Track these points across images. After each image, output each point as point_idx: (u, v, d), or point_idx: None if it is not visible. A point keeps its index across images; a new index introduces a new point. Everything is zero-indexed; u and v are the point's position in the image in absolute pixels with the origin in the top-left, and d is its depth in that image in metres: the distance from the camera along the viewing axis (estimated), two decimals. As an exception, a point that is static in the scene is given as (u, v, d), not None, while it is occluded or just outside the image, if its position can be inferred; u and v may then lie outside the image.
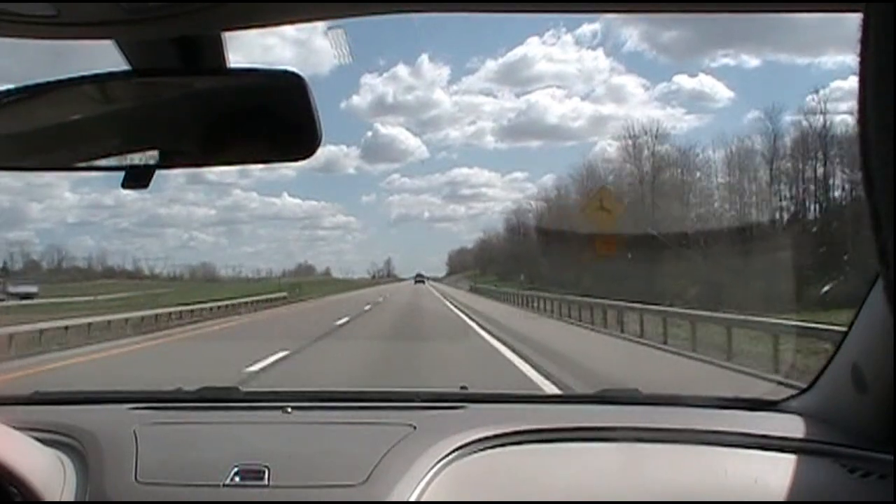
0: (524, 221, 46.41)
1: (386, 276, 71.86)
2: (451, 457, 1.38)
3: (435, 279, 66.19)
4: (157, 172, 1.05)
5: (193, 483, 1.32)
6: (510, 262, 46.92)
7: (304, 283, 49.52)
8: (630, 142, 33.54)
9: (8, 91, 1.03)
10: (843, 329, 1.47)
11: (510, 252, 48.48)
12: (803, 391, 1.62)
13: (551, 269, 34.03)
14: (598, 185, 37.21)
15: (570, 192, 40.69)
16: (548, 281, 31.93)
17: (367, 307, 24.51)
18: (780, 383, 6.40)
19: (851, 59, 0.49)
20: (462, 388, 1.88)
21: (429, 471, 1.34)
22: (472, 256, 62.87)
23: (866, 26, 0.47)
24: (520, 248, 45.10)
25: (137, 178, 1.05)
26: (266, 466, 1.33)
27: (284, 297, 34.19)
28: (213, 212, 73.53)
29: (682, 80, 60.02)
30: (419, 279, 62.58)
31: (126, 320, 18.33)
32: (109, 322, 17.40)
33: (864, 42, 0.47)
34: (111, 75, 1.00)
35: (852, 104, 0.49)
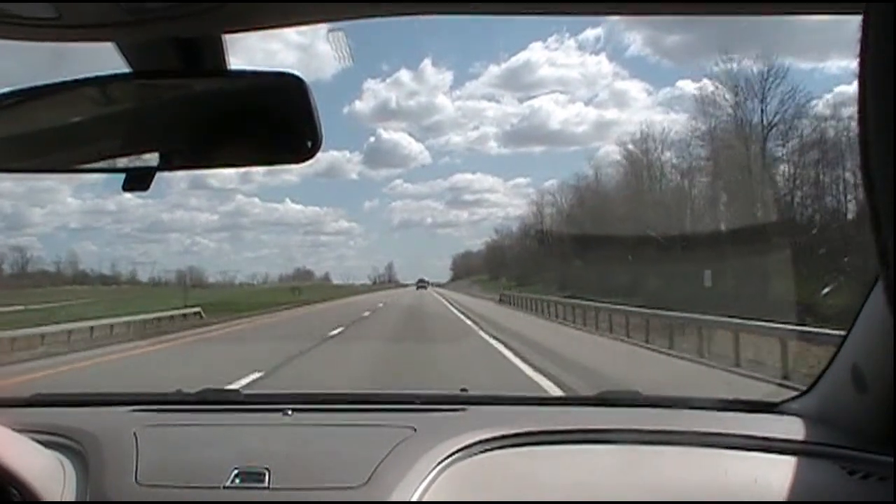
0: (545, 217, 40.45)
1: (387, 281, 71.17)
2: (451, 459, 1.38)
3: (438, 285, 65.24)
4: (160, 177, 1.05)
5: (194, 485, 1.32)
6: (529, 266, 40.91)
7: (303, 288, 46.22)
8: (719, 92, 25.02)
9: (8, 93, 1.03)
10: None
11: (528, 254, 42.56)
12: (803, 393, 1.62)
13: (589, 273, 27.25)
14: (658, 164, 28.92)
15: (608, 177, 33.56)
16: (587, 286, 24.52)
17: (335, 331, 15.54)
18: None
19: (854, 64, 0.48)
20: (462, 390, 1.88)
21: (429, 473, 1.34)
22: (479, 260, 59.81)
23: (866, 27, 0.48)
24: (543, 249, 38.68)
25: (138, 180, 1.05)
26: (266, 468, 1.33)
27: (198, 315, 24.16)
28: (216, 217, 73.00)
29: (686, 85, 59.67)
30: (421, 285, 62.03)
31: None
32: None
33: (864, 42, 0.48)
34: (112, 77, 1.01)
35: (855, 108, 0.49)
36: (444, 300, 35.56)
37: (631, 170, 31.65)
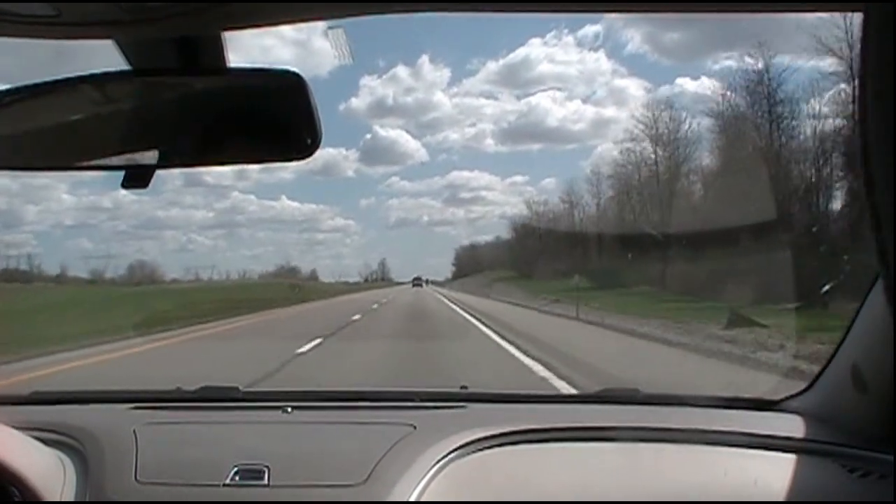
0: (643, 169, 28.15)
1: (380, 279, 70.49)
2: (451, 456, 1.38)
3: (436, 283, 63.91)
4: (156, 175, 1.06)
5: (193, 483, 1.32)
6: (602, 257, 27.99)
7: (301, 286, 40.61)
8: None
9: (7, 91, 1.03)
10: None
11: (601, 240, 29.21)
12: (803, 391, 1.62)
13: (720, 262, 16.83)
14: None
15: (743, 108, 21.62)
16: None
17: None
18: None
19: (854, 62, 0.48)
20: (462, 387, 1.88)
21: (429, 470, 1.34)
22: (494, 252, 49.91)
23: (866, 26, 0.48)
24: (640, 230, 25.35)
25: (137, 178, 1.05)
26: (266, 466, 1.33)
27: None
28: (212, 214, 72.26)
29: (685, 83, 59.25)
30: (417, 283, 61.47)
31: None
32: None
33: (864, 42, 0.48)
34: (111, 75, 1.01)
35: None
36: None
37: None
